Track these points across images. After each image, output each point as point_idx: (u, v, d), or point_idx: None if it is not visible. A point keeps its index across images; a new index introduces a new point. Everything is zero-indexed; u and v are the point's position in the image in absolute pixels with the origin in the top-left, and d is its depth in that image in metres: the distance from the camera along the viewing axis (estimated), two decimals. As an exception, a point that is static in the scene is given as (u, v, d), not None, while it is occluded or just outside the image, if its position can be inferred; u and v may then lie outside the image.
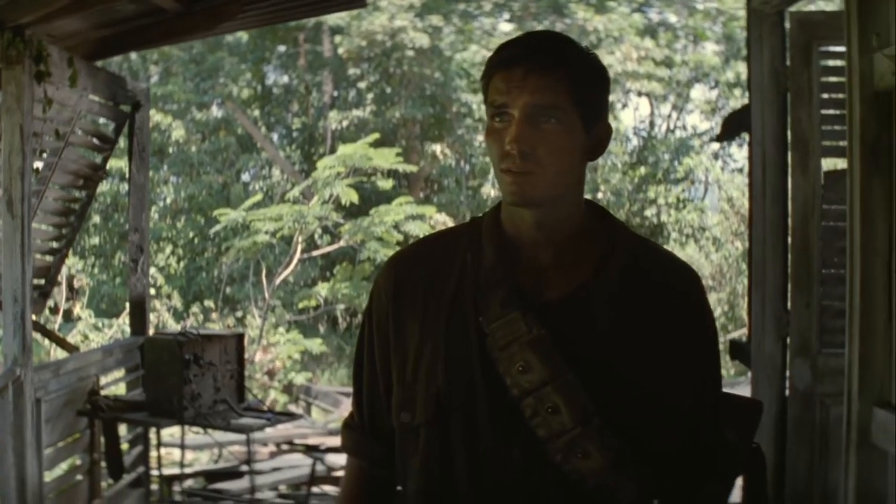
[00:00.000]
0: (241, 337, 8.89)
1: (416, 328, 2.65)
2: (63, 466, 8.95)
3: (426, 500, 2.65)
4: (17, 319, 7.37)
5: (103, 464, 8.92)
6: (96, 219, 24.99)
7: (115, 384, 9.61)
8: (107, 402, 8.59)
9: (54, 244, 9.33)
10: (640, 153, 29.08)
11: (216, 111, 28.43)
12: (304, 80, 28.86)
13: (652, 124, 30.70)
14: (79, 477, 8.72)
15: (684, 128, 30.44)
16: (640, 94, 28.41)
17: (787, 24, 7.13)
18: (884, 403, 5.05)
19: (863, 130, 5.06)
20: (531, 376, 2.47)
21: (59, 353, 13.37)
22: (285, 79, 29.98)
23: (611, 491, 2.50)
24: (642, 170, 28.06)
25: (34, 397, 7.57)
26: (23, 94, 7.28)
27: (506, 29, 28.32)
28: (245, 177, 28.27)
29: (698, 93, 29.71)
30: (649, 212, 27.16)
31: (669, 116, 30.67)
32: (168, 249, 25.19)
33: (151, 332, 10.44)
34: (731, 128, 8.59)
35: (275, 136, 29.19)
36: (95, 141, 9.41)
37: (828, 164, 7.15)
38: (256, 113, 28.90)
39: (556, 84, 2.45)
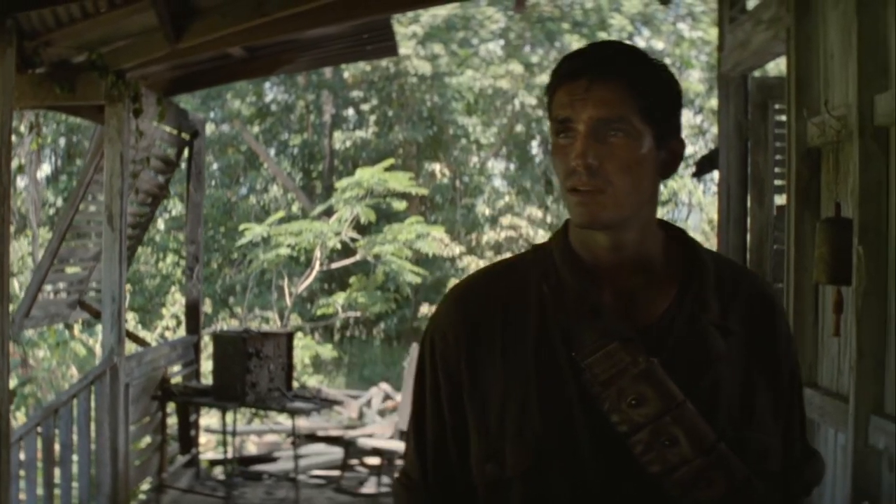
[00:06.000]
0: (290, 335, 10.43)
1: (497, 372, 2.37)
2: (138, 443, 10.31)
3: None
4: (114, 316, 8.85)
5: (171, 442, 10.42)
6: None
7: (173, 375, 11.03)
8: (178, 388, 10.08)
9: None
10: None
11: (224, 128, 29.38)
12: (303, 99, 29.79)
13: (638, 148, 31.61)
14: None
15: (670, 150, 31.09)
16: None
17: (749, 86, 8.38)
18: (811, 384, 6.42)
19: (797, 177, 6.53)
20: (646, 409, 2.23)
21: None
22: (284, 97, 30.62)
23: None
24: (629, 192, 28.85)
25: (125, 382, 9.03)
26: (122, 127, 8.78)
27: (500, 54, 29.41)
28: (243, 190, 29.28)
29: (684, 117, 30.22)
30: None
31: (655, 140, 31.46)
32: (169, 259, 26.16)
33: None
34: (704, 167, 9.95)
35: (272, 152, 30.07)
36: (162, 164, 10.86)
37: (779, 199, 8.20)
38: (256, 129, 29.82)
39: (622, 95, 2.25)
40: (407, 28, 26.56)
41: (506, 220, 27.18)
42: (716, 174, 9.28)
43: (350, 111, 30.15)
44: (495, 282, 2.49)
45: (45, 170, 26.27)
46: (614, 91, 2.25)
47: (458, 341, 2.42)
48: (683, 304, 2.37)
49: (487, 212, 28.08)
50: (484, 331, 2.41)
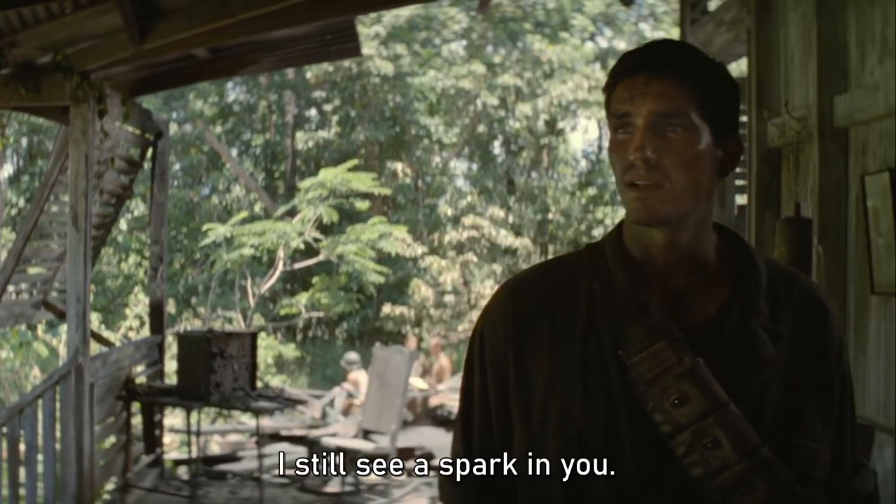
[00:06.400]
0: (254, 335, 10.49)
1: (543, 366, 2.37)
2: (103, 443, 10.33)
3: None
4: (79, 316, 8.85)
5: (135, 442, 10.45)
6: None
7: (138, 375, 11.05)
8: (142, 388, 10.11)
9: (87, 253, 10.77)
10: (589, 176, 30.33)
11: (187, 128, 29.40)
12: (266, 99, 29.87)
13: (600, 148, 31.78)
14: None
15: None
16: (588, 118, 29.73)
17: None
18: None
19: (758, 177, 6.65)
20: (688, 409, 2.22)
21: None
22: (246, 97, 30.66)
23: None
24: (590, 191, 29.30)
25: (90, 382, 9.03)
26: (87, 128, 8.78)
27: (462, 54, 29.59)
28: (205, 191, 29.35)
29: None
30: (596, 231, 28.23)
31: (617, 139, 31.64)
32: (132, 259, 26.15)
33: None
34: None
35: (234, 152, 30.13)
36: (126, 165, 10.88)
37: (740, 199, 8.29)
38: (219, 129, 29.88)
39: (681, 91, 2.24)
40: (370, 28, 26.62)
41: (468, 220, 27.27)
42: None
43: (312, 111, 30.23)
44: (547, 277, 2.48)
45: (7, 170, 26.24)
46: (673, 86, 2.24)
47: (507, 334, 2.41)
48: (734, 307, 2.33)
49: (450, 212, 28.16)
50: (532, 325, 2.40)
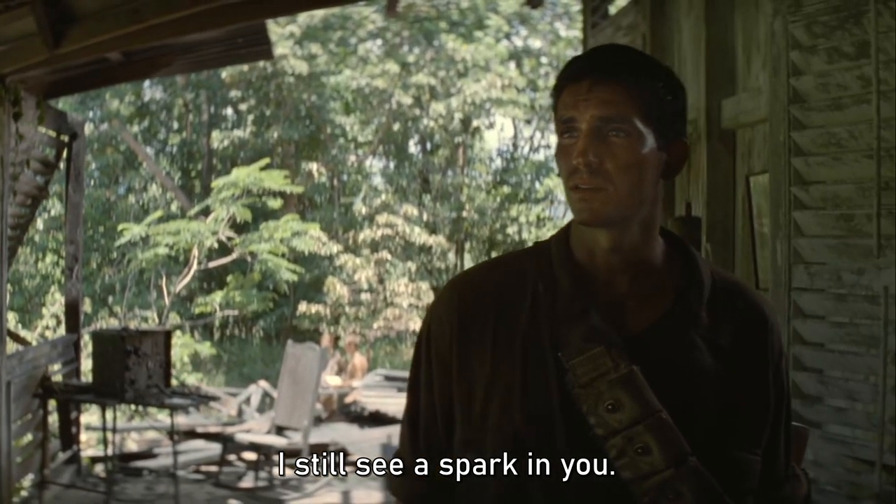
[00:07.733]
0: (168, 333, 10.63)
1: (485, 362, 2.40)
2: (20, 440, 10.43)
3: None
4: (-6, 315, 8.95)
5: (52, 439, 10.55)
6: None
7: (54, 374, 11.13)
8: (59, 386, 10.22)
9: (2, 254, 10.83)
10: (503, 174, 30.71)
11: (104, 128, 29.23)
12: (182, 98, 29.87)
13: (515, 146, 32.23)
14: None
15: (548, 147, 31.76)
16: (503, 116, 30.03)
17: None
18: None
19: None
20: (621, 415, 2.25)
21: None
22: (163, 96, 30.56)
23: None
24: (505, 189, 29.61)
25: (6, 380, 9.10)
26: (3, 131, 8.84)
27: (378, 53, 29.74)
28: (122, 190, 29.25)
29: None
30: (511, 229, 28.64)
31: (532, 138, 32.29)
32: (48, 259, 26.02)
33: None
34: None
35: (150, 151, 30.09)
36: (41, 166, 10.95)
37: None
38: (135, 128, 29.87)
39: (624, 96, 2.27)
40: (284, 28, 26.72)
41: (383, 218, 27.43)
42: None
43: (228, 110, 30.31)
44: (494, 275, 2.50)
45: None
46: (616, 92, 2.27)
47: (452, 328, 2.43)
48: (675, 316, 2.37)
49: (365, 210, 28.27)
50: (477, 321, 2.42)
